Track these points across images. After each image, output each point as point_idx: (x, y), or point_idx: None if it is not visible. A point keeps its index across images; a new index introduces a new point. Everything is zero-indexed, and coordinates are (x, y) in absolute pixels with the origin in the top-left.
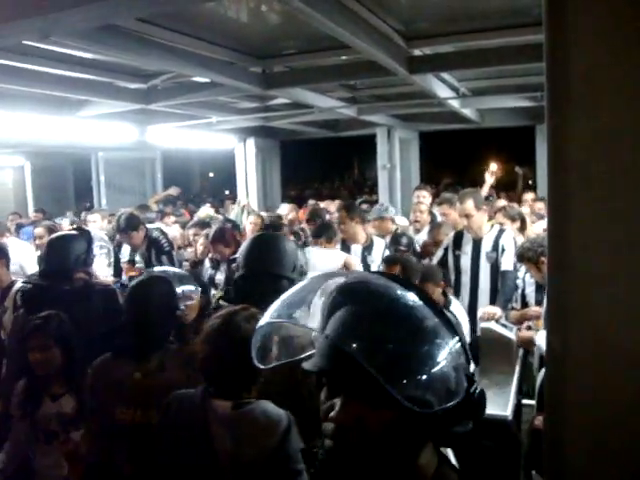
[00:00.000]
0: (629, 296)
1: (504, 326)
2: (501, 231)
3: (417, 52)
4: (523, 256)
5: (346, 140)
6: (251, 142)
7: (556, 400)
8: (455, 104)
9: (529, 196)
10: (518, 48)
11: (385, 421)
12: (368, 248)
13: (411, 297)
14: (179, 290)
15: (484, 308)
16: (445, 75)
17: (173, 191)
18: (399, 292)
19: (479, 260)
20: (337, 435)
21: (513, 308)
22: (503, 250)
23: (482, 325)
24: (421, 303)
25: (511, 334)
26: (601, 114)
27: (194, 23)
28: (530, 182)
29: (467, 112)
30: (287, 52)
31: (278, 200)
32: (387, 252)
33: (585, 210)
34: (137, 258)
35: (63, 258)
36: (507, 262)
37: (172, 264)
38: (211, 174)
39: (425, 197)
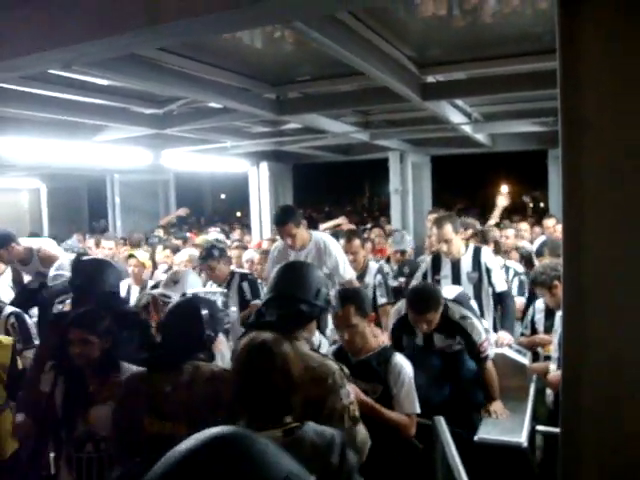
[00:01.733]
0: None
1: (518, 352)
2: (477, 249)
3: (430, 79)
4: (536, 280)
5: (358, 164)
6: (264, 166)
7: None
8: (467, 129)
9: (550, 222)
10: (529, 75)
11: None
12: (362, 274)
13: None
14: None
15: (498, 334)
16: (458, 101)
17: (182, 212)
18: None
19: (460, 282)
20: None
21: (522, 334)
22: (488, 270)
23: (496, 351)
24: None
25: (525, 359)
26: (614, 140)
27: (210, 51)
28: (541, 205)
29: (479, 137)
30: (301, 79)
31: None
32: (379, 277)
33: (600, 235)
34: None
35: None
36: (500, 283)
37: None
38: (222, 196)
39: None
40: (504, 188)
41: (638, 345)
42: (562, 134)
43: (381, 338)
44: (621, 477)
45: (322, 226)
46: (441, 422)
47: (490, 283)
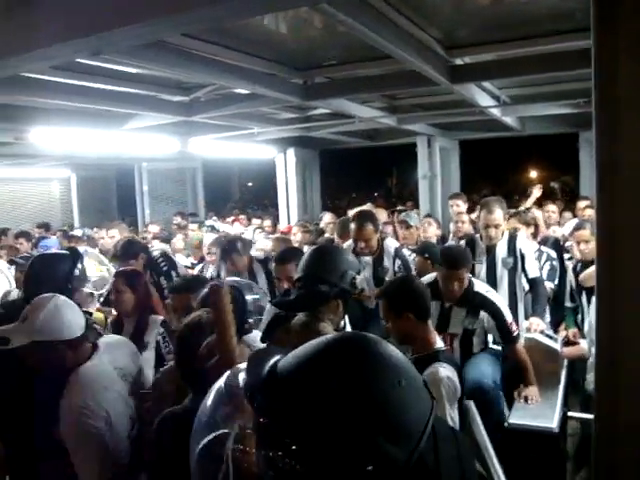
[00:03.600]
0: None
1: (549, 337)
2: (513, 236)
3: (458, 61)
4: None
5: (386, 149)
6: (291, 152)
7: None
8: (496, 112)
9: (582, 203)
10: (560, 55)
11: None
12: (379, 259)
13: None
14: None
15: (530, 320)
16: (486, 83)
17: None
18: None
19: (495, 268)
20: None
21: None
22: (522, 256)
23: (527, 335)
24: None
25: (556, 345)
26: None
27: (236, 36)
28: (570, 190)
29: (508, 120)
30: (328, 63)
31: (318, 209)
32: (398, 262)
33: (635, 214)
34: None
35: None
36: (533, 269)
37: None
38: (250, 183)
39: (460, 206)
40: (533, 173)
41: None
42: (596, 115)
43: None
44: None
45: (350, 212)
46: (472, 406)
47: (523, 269)
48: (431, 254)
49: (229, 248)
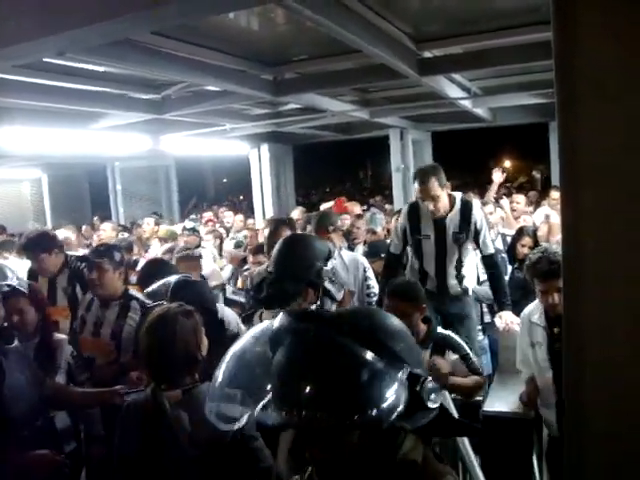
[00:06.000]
0: None
1: None
2: (467, 204)
3: (427, 54)
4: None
5: (360, 143)
6: (264, 148)
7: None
8: (467, 104)
9: (556, 194)
10: (527, 46)
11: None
12: None
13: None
14: None
15: (501, 316)
16: (456, 75)
17: None
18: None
19: (445, 243)
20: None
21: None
22: (477, 230)
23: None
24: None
25: None
26: (610, 111)
27: (205, 33)
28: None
29: (479, 111)
30: (297, 58)
31: (292, 204)
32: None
33: (598, 208)
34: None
35: None
36: (487, 244)
37: None
38: (225, 180)
39: None
40: (506, 163)
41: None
42: (557, 104)
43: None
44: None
45: (323, 206)
46: (445, 394)
47: (478, 244)
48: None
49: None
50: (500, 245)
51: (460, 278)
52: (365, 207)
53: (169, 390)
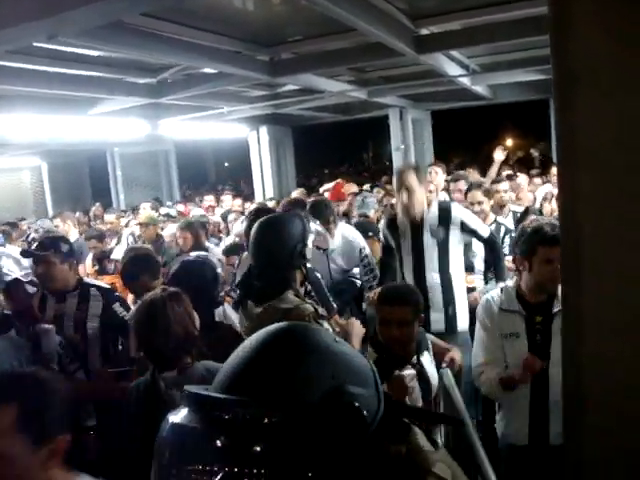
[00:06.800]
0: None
1: None
2: (446, 204)
3: (424, 31)
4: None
5: (360, 124)
6: (263, 130)
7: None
8: (466, 81)
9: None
10: (526, 21)
11: None
12: None
13: None
14: None
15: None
16: (454, 53)
17: None
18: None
19: (422, 240)
20: None
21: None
22: (462, 222)
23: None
24: None
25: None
26: (609, 91)
27: (199, 15)
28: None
29: (478, 89)
30: (293, 39)
31: (293, 186)
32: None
33: (594, 186)
34: None
35: None
36: (481, 228)
37: None
38: (226, 163)
39: (438, 173)
40: (508, 142)
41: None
42: (555, 85)
43: None
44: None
45: (322, 189)
46: (447, 373)
47: (473, 233)
48: (375, 232)
49: None
50: (511, 224)
51: (445, 282)
52: (367, 187)
53: (167, 372)
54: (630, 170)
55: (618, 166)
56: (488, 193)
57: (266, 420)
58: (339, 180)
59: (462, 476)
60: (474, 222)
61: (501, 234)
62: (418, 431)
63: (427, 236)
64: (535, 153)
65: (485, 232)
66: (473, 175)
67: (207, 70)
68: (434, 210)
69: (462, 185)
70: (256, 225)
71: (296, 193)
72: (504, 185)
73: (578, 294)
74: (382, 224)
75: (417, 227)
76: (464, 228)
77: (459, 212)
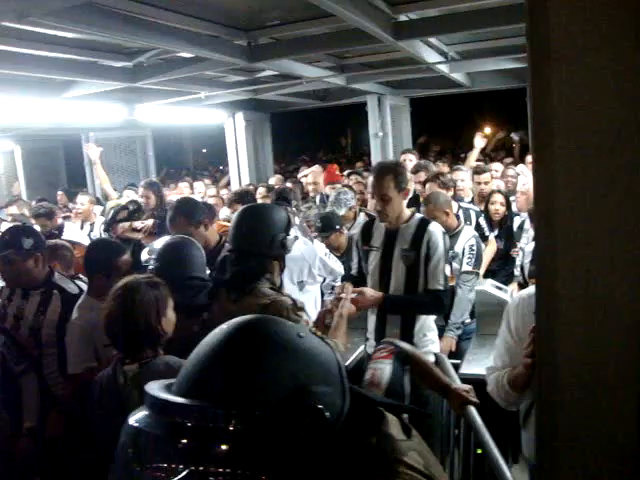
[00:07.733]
0: (617, 254)
1: (498, 288)
2: (424, 221)
3: (403, 17)
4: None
5: (339, 110)
6: (240, 116)
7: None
8: (444, 69)
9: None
10: (506, 8)
11: None
12: None
13: None
14: None
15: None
16: (433, 40)
17: None
18: None
19: (391, 259)
20: None
21: (520, 284)
22: (429, 251)
23: (477, 288)
24: None
25: (506, 295)
26: (583, 78)
27: None
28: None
29: (457, 76)
30: (272, 23)
31: (270, 173)
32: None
33: (570, 166)
34: None
35: None
36: (437, 275)
37: None
38: (204, 149)
39: (412, 160)
40: (486, 130)
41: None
42: (530, 73)
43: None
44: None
45: (299, 175)
46: (445, 359)
47: (425, 272)
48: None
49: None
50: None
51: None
52: (346, 173)
53: (130, 364)
54: (605, 153)
55: (594, 150)
56: (444, 185)
57: (225, 425)
58: (334, 165)
59: (436, 464)
60: (438, 260)
61: (473, 218)
62: (392, 419)
63: (396, 257)
64: (515, 137)
65: (438, 283)
66: (442, 167)
67: (184, 54)
68: (412, 224)
69: (422, 177)
70: (240, 210)
71: (273, 180)
72: (485, 176)
73: (553, 275)
74: (358, 225)
75: (390, 242)
76: (426, 257)
77: (437, 236)
